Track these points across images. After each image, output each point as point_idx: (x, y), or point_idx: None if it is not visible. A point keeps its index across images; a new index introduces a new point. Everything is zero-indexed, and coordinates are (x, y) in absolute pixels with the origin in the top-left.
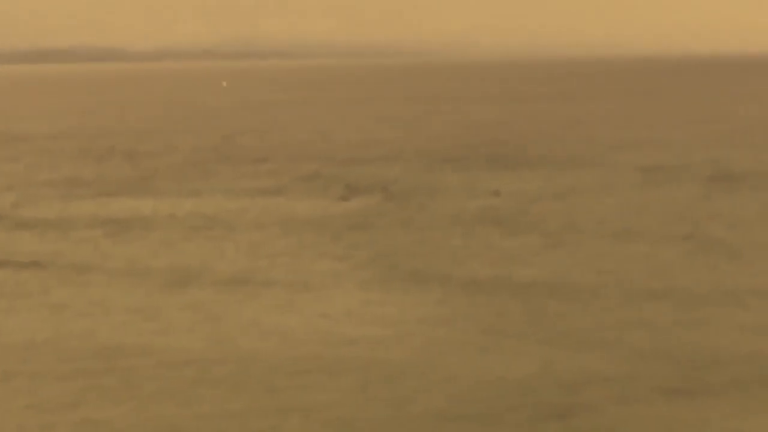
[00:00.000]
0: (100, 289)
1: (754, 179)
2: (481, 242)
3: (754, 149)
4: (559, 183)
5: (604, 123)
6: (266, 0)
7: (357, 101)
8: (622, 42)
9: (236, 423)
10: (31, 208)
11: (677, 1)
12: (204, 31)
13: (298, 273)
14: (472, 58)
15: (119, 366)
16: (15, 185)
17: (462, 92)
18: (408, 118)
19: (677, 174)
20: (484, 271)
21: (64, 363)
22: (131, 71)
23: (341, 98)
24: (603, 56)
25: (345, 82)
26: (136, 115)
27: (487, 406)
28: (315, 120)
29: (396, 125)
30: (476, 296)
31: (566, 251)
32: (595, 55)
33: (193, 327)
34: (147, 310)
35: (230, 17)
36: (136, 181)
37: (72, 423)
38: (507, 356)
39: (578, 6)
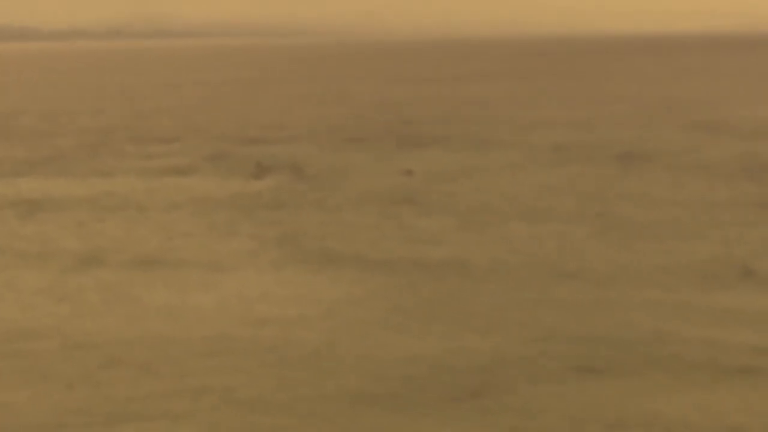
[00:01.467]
0: (10, 271)
1: (662, 158)
2: (395, 222)
3: (661, 128)
4: (471, 162)
5: (514, 102)
6: None
7: (267, 81)
8: (531, 22)
9: (149, 405)
10: None
11: None
12: (114, 10)
13: (211, 253)
14: (383, 38)
15: (29, 348)
16: None
17: (373, 71)
18: (318, 97)
19: (587, 153)
20: (398, 250)
21: None
22: (41, 50)
23: (251, 78)
24: (512, 36)
25: (255, 62)
26: (46, 95)
27: (401, 386)
28: (225, 99)
29: (307, 105)
30: (390, 276)
31: (479, 231)
32: (504, 35)
33: (106, 309)
34: (58, 291)
35: None
36: (47, 161)
37: None
38: (420, 336)
39: None
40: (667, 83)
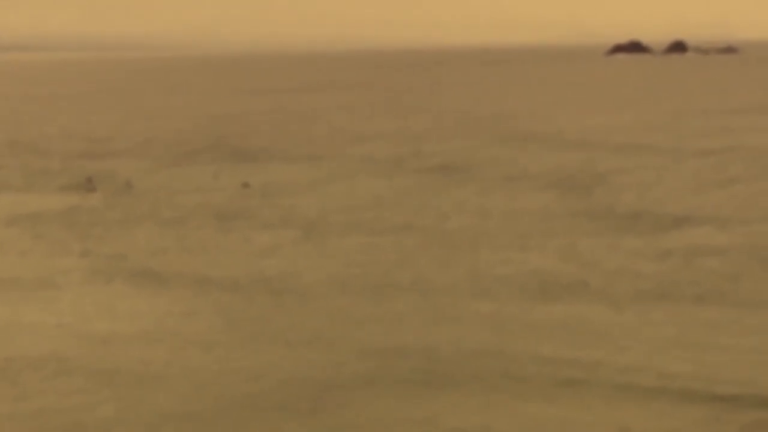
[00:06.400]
0: None
1: (488, 169)
2: (231, 237)
3: (488, 140)
4: (306, 175)
5: (344, 115)
6: None
7: (98, 95)
8: (365, 35)
9: None
10: None
11: None
12: None
13: (45, 270)
14: (218, 52)
15: None
16: None
17: (206, 85)
18: (152, 111)
19: (416, 165)
20: (235, 266)
21: None
22: None
23: (84, 92)
24: (342, 50)
25: (86, 76)
26: None
27: (240, 403)
28: (56, 113)
29: (140, 118)
30: (227, 292)
31: (316, 244)
32: (335, 49)
33: None
34: None
35: None
36: None
37: None
38: (258, 352)
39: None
40: (497, 95)
